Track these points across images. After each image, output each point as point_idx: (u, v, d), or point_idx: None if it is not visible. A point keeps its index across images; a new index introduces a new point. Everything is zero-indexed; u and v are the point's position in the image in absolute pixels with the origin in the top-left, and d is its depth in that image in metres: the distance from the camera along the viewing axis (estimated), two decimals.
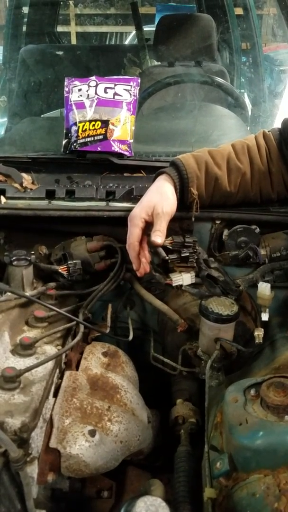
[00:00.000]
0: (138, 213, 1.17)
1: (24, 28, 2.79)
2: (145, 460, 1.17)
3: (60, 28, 3.74)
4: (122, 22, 4.94)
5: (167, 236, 1.22)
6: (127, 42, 4.71)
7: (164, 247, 1.23)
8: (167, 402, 1.27)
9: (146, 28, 3.11)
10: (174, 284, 1.24)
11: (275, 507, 0.81)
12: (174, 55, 2.15)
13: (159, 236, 1.14)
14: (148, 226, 1.18)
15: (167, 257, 1.24)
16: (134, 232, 1.17)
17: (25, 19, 2.81)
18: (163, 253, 1.25)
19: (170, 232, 1.25)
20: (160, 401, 1.27)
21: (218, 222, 1.30)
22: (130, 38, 4.51)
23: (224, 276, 1.23)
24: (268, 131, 1.30)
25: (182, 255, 1.23)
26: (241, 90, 2.64)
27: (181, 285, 1.24)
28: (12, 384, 0.94)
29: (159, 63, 2.31)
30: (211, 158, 1.24)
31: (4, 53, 2.61)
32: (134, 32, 3.20)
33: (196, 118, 1.78)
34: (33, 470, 0.88)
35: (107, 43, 4.80)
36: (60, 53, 2.63)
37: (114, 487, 1.06)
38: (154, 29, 2.29)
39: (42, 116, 2.20)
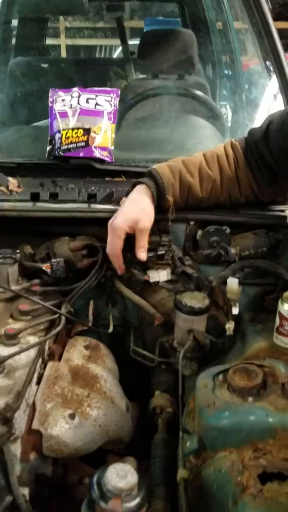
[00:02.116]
0: (121, 225, 1.25)
1: (13, 41, 2.88)
2: (125, 450, 1.21)
3: (50, 41, 3.82)
4: (111, 35, 5.03)
5: None
6: (116, 54, 4.81)
7: None
8: (147, 395, 1.33)
9: (134, 42, 3.20)
10: (151, 281, 1.31)
11: (238, 480, 0.86)
12: (156, 68, 2.24)
13: (143, 252, 1.27)
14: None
15: None
16: (117, 243, 1.26)
17: (15, 32, 2.90)
18: None
19: None
20: (141, 394, 1.32)
21: (192, 223, 1.38)
22: (119, 51, 4.61)
23: (198, 272, 1.31)
24: (235, 141, 1.40)
25: (159, 253, 1.31)
26: (222, 102, 2.73)
27: (158, 281, 1.31)
28: None
29: (144, 76, 2.41)
30: (184, 167, 1.33)
31: None
32: None
33: (173, 128, 1.86)
34: (16, 448, 0.95)
35: (96, 55, 4.89)
36: (46, 65, 2.70)
37: None
38: None
39: (32, 125, 2.27)
